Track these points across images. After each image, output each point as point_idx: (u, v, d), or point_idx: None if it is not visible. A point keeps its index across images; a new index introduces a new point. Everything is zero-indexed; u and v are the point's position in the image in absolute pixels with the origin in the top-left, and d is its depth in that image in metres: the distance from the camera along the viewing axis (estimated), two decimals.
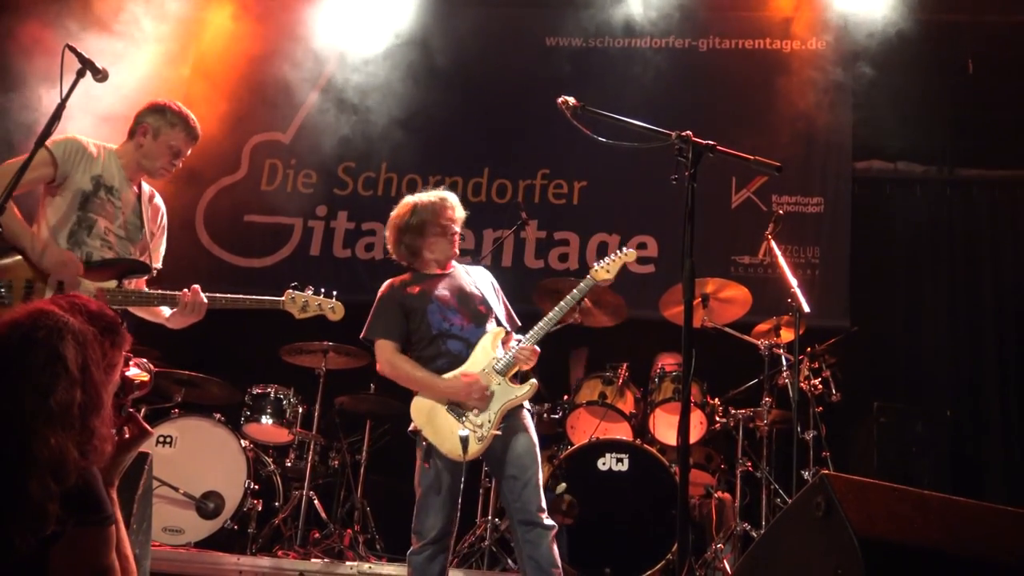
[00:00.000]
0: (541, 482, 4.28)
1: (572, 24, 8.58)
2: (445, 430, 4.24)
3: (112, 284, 4.13)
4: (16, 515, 2.02)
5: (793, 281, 5.41)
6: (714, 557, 6.06)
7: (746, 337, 6.37)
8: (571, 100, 3.72)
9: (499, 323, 4.52)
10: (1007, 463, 7.53)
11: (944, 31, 8.11)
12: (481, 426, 4.23)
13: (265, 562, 5.75)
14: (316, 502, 6.56)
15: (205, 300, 4.20)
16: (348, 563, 5.73)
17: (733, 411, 6.45)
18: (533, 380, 4.42)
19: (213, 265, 8.22)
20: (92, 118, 5.53)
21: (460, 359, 4.36)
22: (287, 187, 8.62)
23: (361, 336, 4.52)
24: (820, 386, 6.29)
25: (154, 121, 4.33)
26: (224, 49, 8.41)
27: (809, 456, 6.17)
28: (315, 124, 8.51)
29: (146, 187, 4.47)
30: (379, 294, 4.59)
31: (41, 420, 2.08)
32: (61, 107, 3.93)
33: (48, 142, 4.01)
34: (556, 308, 4.44)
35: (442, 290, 4.49)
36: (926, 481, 6.46)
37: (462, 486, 4.25)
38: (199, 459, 6.32)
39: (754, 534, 5.92)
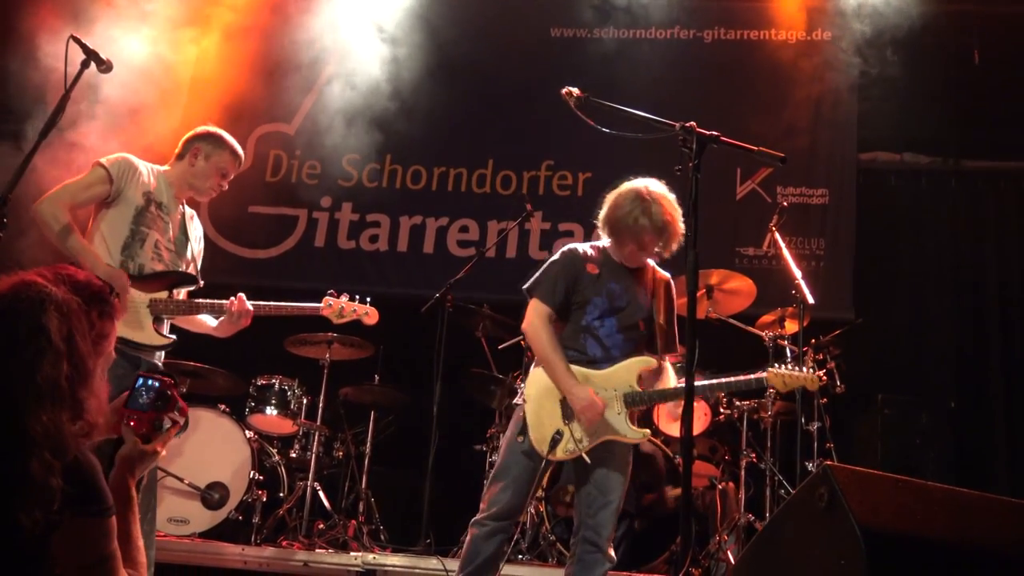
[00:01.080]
0: (617, 513, 4.17)
1: (577, 14, 8.56)
2: (546, 418, 4.15)
3: (163, 295, 4.35)
4: (21, 496, 2.01)
5: (797, 272, 5.41)
6: (718, 548, 6.06)
7: (750, 328, 6.37)
8: (575, 91, 3.71)
9: (658, 349, 4.32)
10: (1011, 454, 7.52)
11: (950, 21, 8.08)
12: (579, 441, 4.10)
13: (270, 553, 5.76)
14: (320, 493, 6.57)
15: (251, 308, 4.44)
16: (352, 554, 5.74)
17: (737, 402, 6.45)
18: (647, 431, 4.26)
19: (218, 256, 8.21)
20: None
21: (591, 362, 4.22)
22: (292, 178, 8.63)
23: (523, 286, 4.36)
24: (824, 378, 6.28)
25: (206, 145, 4.61)
26: (229, 40, 8.40)
27: (813, 447, 6.16)
28: (320, 115, 8.51)
29: (188, 209, 4.70)
30: (563, 254, 4.38)
31: (31, 397, 2.07)
32: (65, 98, 3.97)
33: (103, 160, 4.33)
34: (721, 382, 4.29)
35: (617, 286, 4.30)
36: (930, 473, 6.46)
37: (543, 482, 4.17)
38: (204, 450, 6.34)
39: (758, 525, 5.92)
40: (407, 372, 7.50)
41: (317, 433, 6.71)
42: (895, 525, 2.42)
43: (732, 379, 4.33)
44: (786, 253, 5.60)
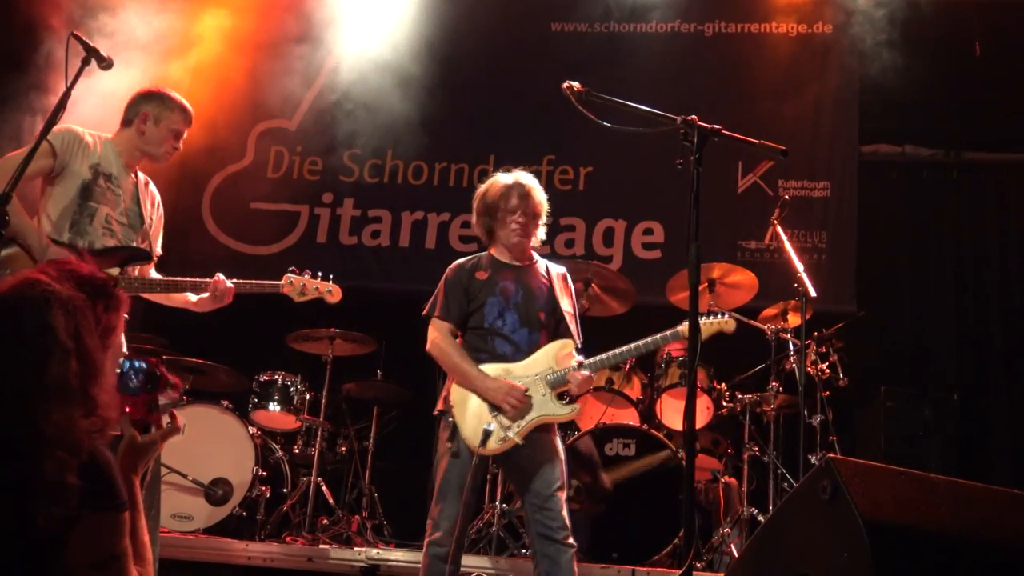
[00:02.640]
0: (565, 500, 4.21)
1: (578, 9, 8.55)
2: (471, 417, 4.19)
3: (114, 271, 4.17)
4: (38, 496, 2.01)
5: (799, 266, 5.41)
6: (721, 541, 6.08)
7: (753, 322, 6.36)
8: (576, 85, 3.71)
9: (566, 335, 4.40)
10: (1014, 446, 7.52)
11: (951, 13, 8.06)
12: (508, 428, 4.15)
13: (273, 548, 5.77)
14: (324, 488, 6.57)
15: (231, 285, 4.40)
16: (356, 549, 5.74)
17: (740, 396, 6.45)
18: (577, 406, 4.30)
19: (219, 252, 8.22)
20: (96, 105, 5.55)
21: (503, 358, 4.27)
22: (293, 174, 8.62)
23: (423, 312, 4.46)
24: (827, 371, 6.29)
25: (153, 108, 4.39)
26: (229, 36, 8.39)
27: (816, 440, 6.17)
28: (321, 111, 8.52)
29: (141, 175, 4.51)
30: (449, 270, 4.50)
31: (41, 397, 2.07)
32: (66, 95, 3.94)
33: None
34: (628, 347, 4.34)
35: (508, 283, 4.39)
36: (933, 465, 6.46)
37: (486, 485, 4.19)
38: (207, 446, 6.33)
39: (761, 518, 5.93)
40: (410, 367, 7.48)
41: (320, 429, 6.71)
42: (898, 517, 2.43)
43: (648, 339, 4.35)
44: (788, 246, 5.60)
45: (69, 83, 3.95)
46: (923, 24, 7.78)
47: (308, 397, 6.87)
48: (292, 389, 6.82)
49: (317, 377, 6.87)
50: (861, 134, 8.16)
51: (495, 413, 4.17)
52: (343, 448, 7.04)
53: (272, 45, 8.43)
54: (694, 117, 3.42)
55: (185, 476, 6.19)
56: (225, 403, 6.54)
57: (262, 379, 6.84)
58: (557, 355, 4.30)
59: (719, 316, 4.38)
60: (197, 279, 4.37)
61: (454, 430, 4.21)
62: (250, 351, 7.27)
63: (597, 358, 4.32)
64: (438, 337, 4.34)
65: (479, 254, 4.56)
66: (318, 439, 6.68)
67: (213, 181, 8.53)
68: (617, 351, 4.34)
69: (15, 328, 2.12)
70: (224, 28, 8.41)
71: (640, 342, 4.33)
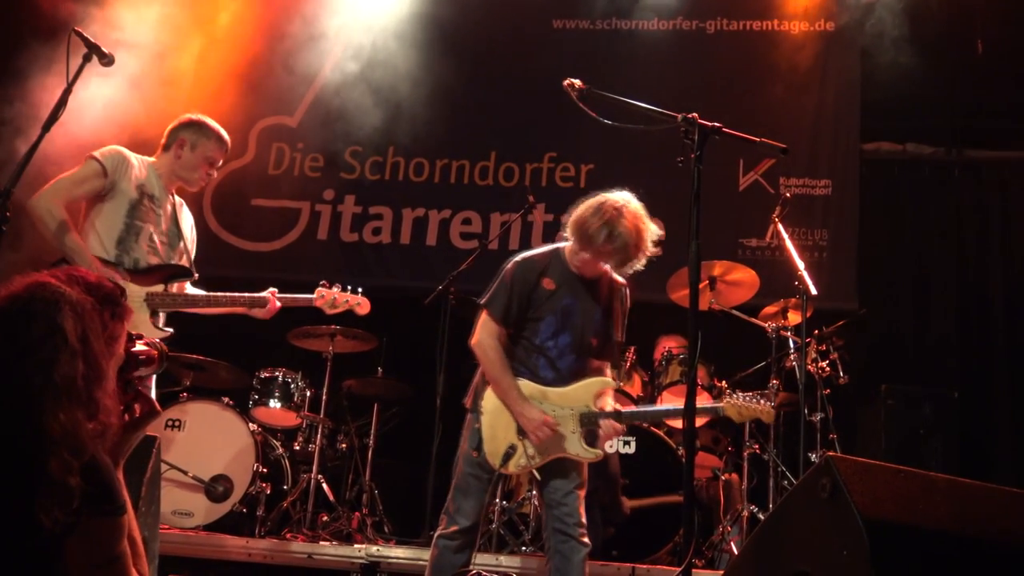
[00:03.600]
0: (583, 498, 4.21)
1: (580, 6, 8.55)
2: (500, 431, 4.17)
3: (159, 288, 4.39)
4: (41, 495, 2.02)
5: (800, 263, 5.40)
6: (721, 539, 6.08)
7: (753, 320, 6.36)
8: (577, 82, 3.70)
9: (607, 365, 4.37)
10: (1014, 445, 7.53)
11: (954, 11, 8.05)
12: (532, 457, 4.13)
13: (273, 545, 5.77)
14: (324, 485, 6.58)
15: (278, 304, 4.61)
16: (356, 546, 5.75)
17: (740, 393, 6.44)
18: (600, 452, 4.25)
19: (221, 249, 8.22)
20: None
21: (543, 383, 4.20)
22: (294, 171, 8.63)
23: (480, 301, 4.31)
24: (827, 368, 6.28)
25: (191, 135, 4.61)
26: (231, 32, 8.39)
27: (816, 439, 6.17)
28: (322, 108, 8.51)
29: (177, 198, 4.72)
30: (518, 265, 4.28)
31: (49, 396, 2.08)
32: (67, 92, 3.97)
33: (96, 154, 4.34)
34: (667, 408, 4.36)
35: (571, 302, 4.24)
36: (934, 464, 6.46)
37: (499, 483, 4.18)
38: (208, 443, 6.34)
39: (761, 516, 5.93)
40: (410, 364, 7.51)
41: (321, 426, 6.72)
42: (898, 515, 2.43)
43: (659, 409, 4.38)
44: (789, 244, 5.59)
45: (70, 79, 3.98)
46: (925, 22, 7.77)
47: (309, 394, 6.87)
48: (293, 386, 6.82)
49: (318, 374, 6.87)
50: (862, 132, 8.15)
51: (522, 436, 4.14)
52: (343, 445, 7.04)
53: (273, 42, 8.43)
54: (695, 115, 3.42)
55: (185, 472, 6.19)
56: (226, 400, 6.54)
57: (263, 376, 6.84)
58: (596, 394, 4.25)
59: (759, 401, 4.33)
60: (242, 295, 4.59)
61: (479, 439, 4.19)
62: (251, 348, 7.26)
63: (634, 410, 4.35)
64: (488, 341, 4.21)
65: (550, 249, 4.35)
66: (318, 436, 6.69)
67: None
68: (653, 409, 4.39)
69: (25, 327, 2.13)
70: (225, 25, 8.41)
71: (675, 407, 4.33)
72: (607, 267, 4.23)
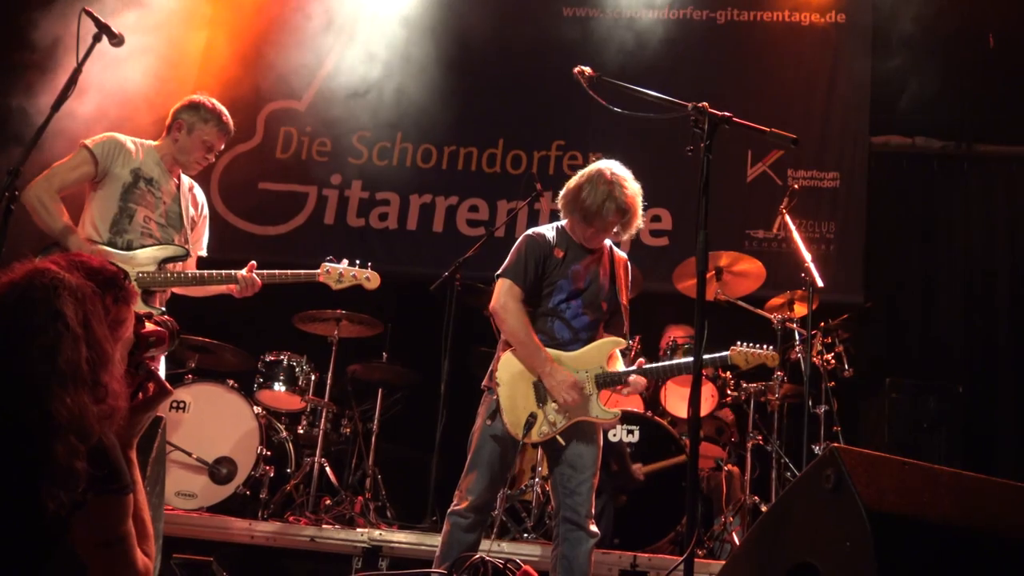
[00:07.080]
0: (594, 486, 4.22)
1: None
2: (520, 401, 4.17)
3: (151, 268, 4.38)
4: (46, 479, 2.03)
5: (807, 255, 5.40)
6: (723, 529, 6.09)
7: (759, 311, 6.36)
8: (587, 70, 3.70)
9: (618, 329, 4.40)
10: (1019, 438, 7.52)
11: (965, 5, 8.02)
12: (553, 423, 4.14)
13: (276, 528, 5.79)
14: (328, 469, 6.59)
15: (258, 279, 4.50)
16: (359, 530, 5.76)
17: (744, 384, 6.45)
18: (619, 412, 4.29)
19: (228, 233, 8.22)
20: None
21: (560, 345, 4.24)
22: (302, 155, 8.62)
23: (496, 273, 4.35)
24: (832, 361, 6.28)
25: (188, 117, 4.58)
26: (240, 17, 8.37)
27: (820, 431, 6.17)
28: (330, 93, 8.50)
29: (186, 179, 4.72)
30: (529, 237, 4.35)
31: (54, 381, 2.09)
32: (77, 72, 3.97)
33: (88, 142, 4.38)
34: (681, 362, 4.39)
35: (580, 268, 4.31)
36: (938, 456, 6.45)
37: (513, 464, 4.20)
38: (212, 425, 6.36)
39: (763, 507, 5.93)
40: (415, 350, 7.50)
41: (325, 409, 6.73)
42: (901, 508, 2.42)
43: (680, 363, 4.43)
44: (796, 236, 5.59)
45: (80, 59, 3.97)
46: (936, 16, 7.74)
47: (313, 378, 6.89)
48: (298, 370, 6.84)
49: (323, 358, 6.88)
50: (872, 125, 8.13)
51: (542, 403, 4.15)
52: (347, 429, 7.05)
53: (282, 26, 8.42)
54: (705, 104, 3.42)
55: (189, 454, 6.21)
56: (230, 382, 6.56)
57: (268, 359, 6.86)
58: (608, 355, 4.29)
59: (764, 348, 4.46)
60: (226, 272, 4.49)
61: (496, 409, 4.18)
62: (256, 331, 7.28)
63: (655, 365, 4.34)
64: (510, 303, 4.21)
65: (555, 225, 4.44)
66: (323, 420, 6.70)
67: (221, 161, 8.51)
68: (668, 364, 4.51)
69: (27, 314, 2.14)
70: (235, 8, 8.40)
71: (686, 360, 4.43)
72: (607, 241, 4.39)
